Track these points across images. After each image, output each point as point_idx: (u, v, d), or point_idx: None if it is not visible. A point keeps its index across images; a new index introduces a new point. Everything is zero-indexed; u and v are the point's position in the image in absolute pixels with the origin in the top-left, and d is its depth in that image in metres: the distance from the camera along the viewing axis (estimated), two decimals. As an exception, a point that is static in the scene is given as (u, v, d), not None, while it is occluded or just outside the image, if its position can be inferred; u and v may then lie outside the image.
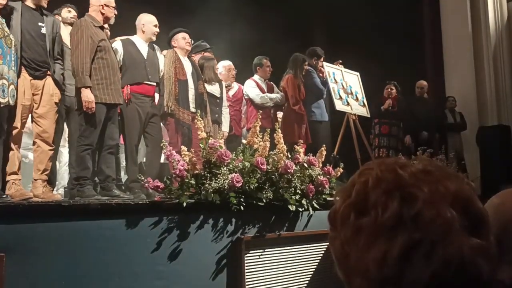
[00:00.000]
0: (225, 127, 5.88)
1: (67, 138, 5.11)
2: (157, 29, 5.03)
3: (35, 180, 4.16)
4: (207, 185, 3.63)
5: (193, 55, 5.81)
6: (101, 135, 4.37)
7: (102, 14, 4.49)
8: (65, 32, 4.69)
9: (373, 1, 8.75)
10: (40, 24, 4.18)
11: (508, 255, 0.99)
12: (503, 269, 0.96)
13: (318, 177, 4.32)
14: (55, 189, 4.66)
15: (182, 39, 5.38)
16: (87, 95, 4.19)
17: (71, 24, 4.83)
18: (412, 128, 7.89)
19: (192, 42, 5.57)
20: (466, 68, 9.02)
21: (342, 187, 0.85)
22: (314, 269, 4.29)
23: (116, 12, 4.65)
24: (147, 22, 5.01)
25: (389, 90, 7.78)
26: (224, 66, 6.35)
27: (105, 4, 4.50)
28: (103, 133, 4.37)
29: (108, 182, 4.35)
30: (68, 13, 5.11)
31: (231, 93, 6.33)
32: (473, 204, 0.77)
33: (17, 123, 3.97)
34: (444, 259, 0.71)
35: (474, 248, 0.73)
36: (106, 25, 4.68)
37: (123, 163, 5.37)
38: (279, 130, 4.31)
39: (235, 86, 6.45)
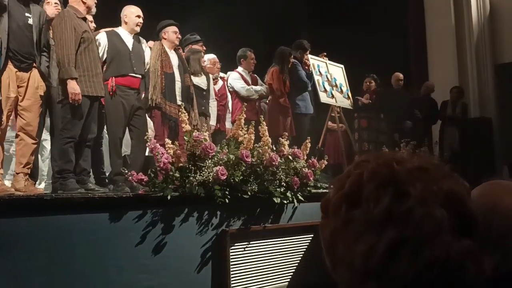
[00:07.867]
0: (213, 120, 5.86)
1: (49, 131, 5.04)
2: (140, 20, 4.92)
3: (17, 173, 4.10)
4: (191, 178, 3.62)
5: (180, 48, 5.75)
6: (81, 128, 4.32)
7: (84, 3, 4.42)
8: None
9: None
10: (27, 14, 4.10)
11: (488, 246, 1.00)
12: (484, 261, 0.97)
13: (303, 169, 4.33)
14: (37, 182, 4.60)
15: (173, 33, 5.30)
16: (74, 87, 4.11)
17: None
18: (393, 119, 7.91)
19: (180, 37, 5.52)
20: (449, 61, 9.09)
21: (337, 176, 0.84)
22: (298, 261, 4.32)
23: (96, 1, 4.58)
24: (129, 13, 4.93)
25: (368, 83, 7.81)
26: (209, 59, 6.31)
27: None
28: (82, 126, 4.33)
29: (83, 175, 4.32)
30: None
31: (216, 88, 6.29)
32: (465, 205, 0.77)
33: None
34: (429, 260, 0.71)
35: (461, 251, 0.73)
36: (90, 17, 4.60)
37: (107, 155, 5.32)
38: (264, 122, 4.31)
39: (220, 81, 6.42)
